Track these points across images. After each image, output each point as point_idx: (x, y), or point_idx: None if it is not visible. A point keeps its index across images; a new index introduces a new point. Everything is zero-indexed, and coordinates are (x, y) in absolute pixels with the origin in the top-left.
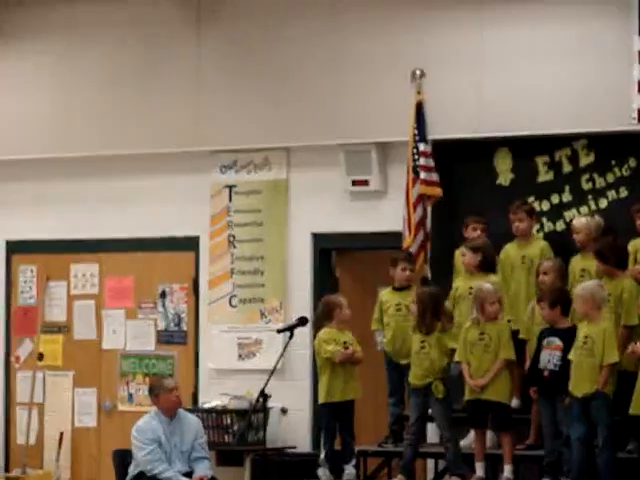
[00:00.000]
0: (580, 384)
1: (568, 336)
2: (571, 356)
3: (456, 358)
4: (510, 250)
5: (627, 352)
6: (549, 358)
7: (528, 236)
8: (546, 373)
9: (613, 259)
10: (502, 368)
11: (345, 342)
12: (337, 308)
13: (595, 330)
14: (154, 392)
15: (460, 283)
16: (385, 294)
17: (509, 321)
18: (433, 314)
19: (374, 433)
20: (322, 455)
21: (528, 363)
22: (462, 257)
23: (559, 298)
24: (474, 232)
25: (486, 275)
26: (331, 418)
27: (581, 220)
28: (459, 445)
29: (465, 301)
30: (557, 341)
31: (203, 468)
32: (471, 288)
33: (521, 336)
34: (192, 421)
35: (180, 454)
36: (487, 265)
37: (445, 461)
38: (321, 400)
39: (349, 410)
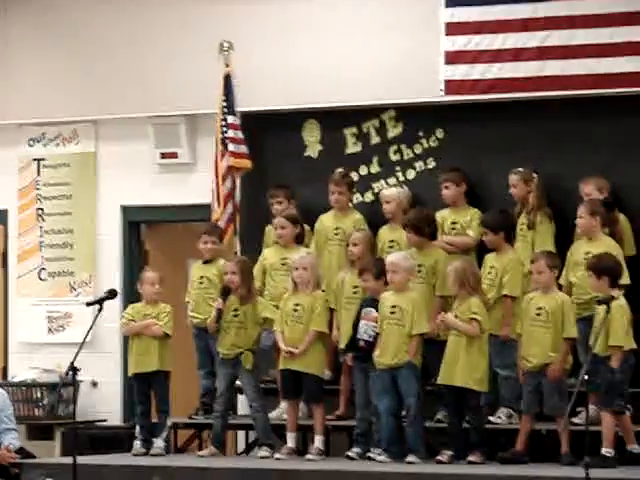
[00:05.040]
0: (388, 354)
1: None
2: (378, 326)
3: (274, 327)
4: (325, 221)
5: (437, 321)
6: (365, 328)
7: (345, 208)
8: (361, 343)
9: (427, 230)
10: (314, 339)
11: (146, 315)
12: (138, 283)
13: (403, 300)
14: None
15: (271, 254)
16: (194, 267)
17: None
18: (250, 284)
19: (185, 405)
20: (137, 428)
21: (335, 333)
22: (279, 229)
23: (384, 269)
24: (278, 206)
25: (299, 246)
26: (141, 390)
27: (391, 190)
28: (268, 416)
29: (278, 273)
30: (374, 312)
31: (10, 438)
32: (284, 259)
33: (332, 306)
34: None
35: None
36: (302, 236)
37: (255, 432)
38: (130, 373)
39: (160, 382)
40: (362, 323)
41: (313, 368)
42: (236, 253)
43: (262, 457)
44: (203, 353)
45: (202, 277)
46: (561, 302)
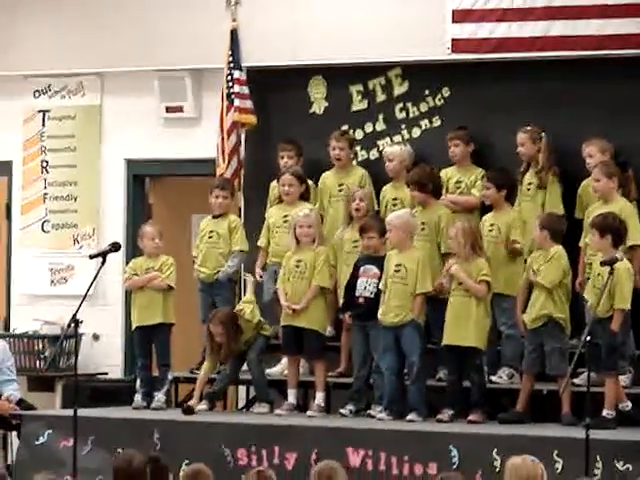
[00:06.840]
0: (392, 312)
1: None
2: (382, 284)
3: (277, 285)
4: (328, 178)
5: (443, 272)
6: (365, 285)
7: (347, 165)
8: (361, 300)
9: (431, 187)
10: (316, 295)
11: (148, 269)
12: (139, 238)
13: (408, 259)
14: None
15: (275, 212)
16: (203, 222)
17: None
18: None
19: (187, 359)
20: (138, 382)
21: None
22: (286, 187)
23: (384, 226)
24: (289, 160)
25: (303, 204)
26: (143, 344)
27: (394, 148)
28: (264, 372)
29: (280, 230)
30: (374, 269)
31: (10, 390)
32: (286, 216)
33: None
34: None
35: None
36: (307, 194)
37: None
38: (134, 325)
39: (163, 336)
40: (361, 280)
41: (315, 324)
42: (240, 209)
43: (259, 413)
44: (208, 308)
45: (212, 231)
46: (552, 255)
